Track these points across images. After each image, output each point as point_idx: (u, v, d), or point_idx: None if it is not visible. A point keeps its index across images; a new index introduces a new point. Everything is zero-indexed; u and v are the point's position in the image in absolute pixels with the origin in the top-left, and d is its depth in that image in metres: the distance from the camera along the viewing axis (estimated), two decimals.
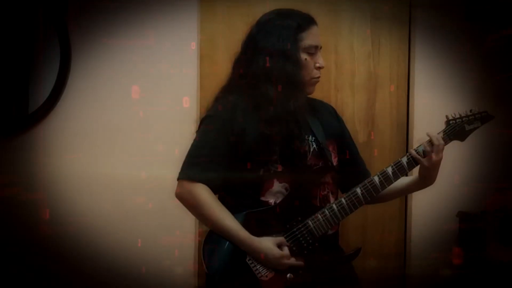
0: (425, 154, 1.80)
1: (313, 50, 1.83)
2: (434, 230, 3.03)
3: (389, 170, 1.81)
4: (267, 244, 1.74)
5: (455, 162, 2.90)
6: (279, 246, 1.76)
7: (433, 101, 3.03)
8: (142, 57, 2.89)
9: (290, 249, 1.77)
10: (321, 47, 1.87)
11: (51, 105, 2.83)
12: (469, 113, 1.85)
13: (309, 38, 1.82)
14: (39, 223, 2.80)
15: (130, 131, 2.89)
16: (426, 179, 1.86)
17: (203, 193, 1.77)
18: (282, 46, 1.78)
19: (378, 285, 2.96)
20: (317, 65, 1.85)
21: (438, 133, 1.82)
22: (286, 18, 1.83)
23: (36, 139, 2.85)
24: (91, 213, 2.85)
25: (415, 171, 1.87)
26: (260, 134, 1.77)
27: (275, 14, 1.86)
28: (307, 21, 1.84)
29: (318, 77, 1.87)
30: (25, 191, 2.80)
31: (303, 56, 1.82)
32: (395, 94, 3.10)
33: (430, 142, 1.79)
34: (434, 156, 1.78)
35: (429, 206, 3.03)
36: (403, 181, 1.89)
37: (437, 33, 3.05)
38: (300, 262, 1.77)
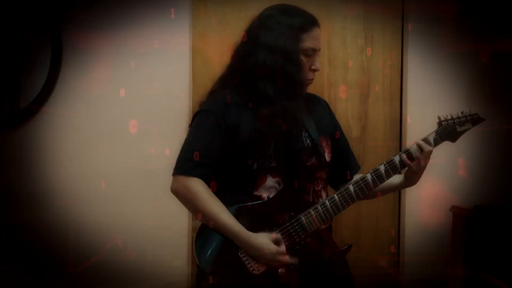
0: (413, 157, 1.82)
1: (311, 53, 1.82)
2: (428, 225, 3.04)
3: (382, 168, 1.82)
4: (264, 239, 1.74)
5: (449, 157, 2.91)
6: (276, 243, 1.76)
7: (426, 96, 3.03)
8: (133, 52, 2.87)
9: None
10: (319, 50, 1.85)
11: (42, 101, 2.82)
12: (460, 115, 1.88)
13: (309, 40, 1.80)
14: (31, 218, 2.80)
15: (122, 127, 2.87)
16: (411, 180, 1.90)
17: (198, 187, 1.76)
18: (283, 45, 1.77)
19: (372, 280, 2.97)
20: (313, 67, 1.84)
21: (430, 134, 1.85)
22: (289, 16, 1.81)
23: (28, 134, 2.83)
24: (83, 209, 2.84)
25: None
26: (254, 129, 1.77)
27: (279, 10, 1.84)
28: (309, 22, 1.82)
29: (312, 79, 1.86)
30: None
31: (300, 57, 1.81)
32: (388, 89, 3.10)
33: (419, 147, 1.81)
34: (422, 161, 1.81)
35: (422, 201, 3.03)
36: (390, 179, 1.90)
37: (430, 28, 3.05)
38: (295, 261, 1.77)
